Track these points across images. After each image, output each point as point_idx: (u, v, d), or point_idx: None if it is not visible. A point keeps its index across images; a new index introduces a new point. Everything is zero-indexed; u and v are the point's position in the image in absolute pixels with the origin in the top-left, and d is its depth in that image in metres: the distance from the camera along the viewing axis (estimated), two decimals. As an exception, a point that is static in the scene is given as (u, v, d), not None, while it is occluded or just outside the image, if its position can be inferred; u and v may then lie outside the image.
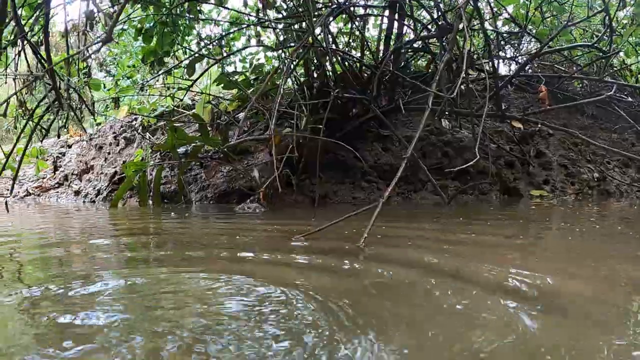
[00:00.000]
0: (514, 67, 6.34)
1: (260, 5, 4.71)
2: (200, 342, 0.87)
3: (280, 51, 4.72)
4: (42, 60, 3.08)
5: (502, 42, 5.39)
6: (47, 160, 7.65)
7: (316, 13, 3.97)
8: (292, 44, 4.30)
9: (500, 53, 5.42)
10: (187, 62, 4.53)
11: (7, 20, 2.84)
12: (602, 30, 4.83)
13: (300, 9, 4.04)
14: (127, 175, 4.66)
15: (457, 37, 3.28)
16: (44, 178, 7.81)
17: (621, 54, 5.72)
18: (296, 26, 4.51)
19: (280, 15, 4.80)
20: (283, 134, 3.78)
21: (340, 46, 4.94)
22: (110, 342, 0.87)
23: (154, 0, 4.13)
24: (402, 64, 5.13)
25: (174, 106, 5.41)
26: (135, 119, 6.39)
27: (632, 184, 5.51)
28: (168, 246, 2.10)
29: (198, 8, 4.76)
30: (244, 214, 3.55)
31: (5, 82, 4.39)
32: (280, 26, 4.73)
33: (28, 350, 0.84)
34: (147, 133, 5.95)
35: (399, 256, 1.76)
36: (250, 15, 5.13)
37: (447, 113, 4.34)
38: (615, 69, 6.10)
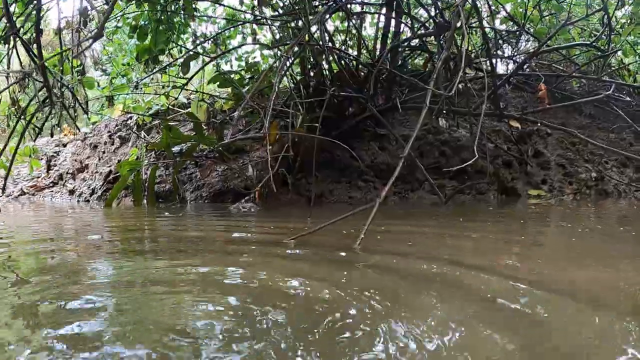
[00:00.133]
0: (511, 66, 6.31)
1: (255, 2, 4.66)
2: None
3: (276, 49, 4.67)
4: (34, 57, 3.02)
5: (500, 41, 5.35)
6: (41, 159, 7.59)
7: (312, 10, 3.93)
8: (289, 42, 4.25)
9: (499, 52, 5.38)
10: (182, 60, 4.47)
11: (-2, 17, 2.79)
12: (600, 30, 4.80)
13: (297, 7, 3.99)
14: (121, 175, 4.61)
15: (455, 35, 3.23)
16: (38, 177, 7.75)
17: (619, 53, 5.69)
18: (292, 24, 4.46)
19: (276, 13, 4.75)
20: (278, 132, 3.73)
21: (337, 45, 4.89)
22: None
23: (149, -3, 4.09)
24: (399, 62, 5.09)
25: (169, 105, 5.36)
26: (130, 118, 6.34)
27: (630, 184, 5.48)
28: (156, 250, 2.06)
29: (193, 6, 4.71)
30: (238, 213, 3.51)
31: (-2, 80, 4.35)
32: (277, 24, 4.68)
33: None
34: (142, 132, 5.90)
35: (398, 261, 1.72)
36: (246, 13, 5.08)
37: (444, 112, 4.29)
38: (613, 68, 6.07)
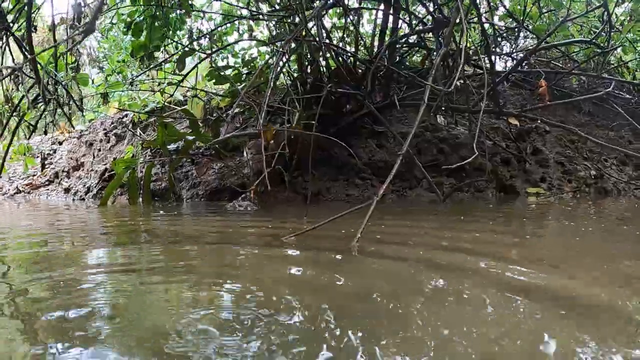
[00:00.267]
0: (510, 63, 6.28)
1: (252, -1, 4.62)
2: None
3: (272, 46, 4.62)
4: (26, 52, 2.97)
5: (499, 38, 5.31)
6: (37, 157, 7.53)
7: (309, 6, 3.88)
8: (285, 38, 4.20)
9: (497, 49, 5.34)
10: (177, 56, 4.42)
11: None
12: (599, 27, 4.76)
13: (294, 2, 3.94)
14: (116, 173, 4.56)
15: (454, 31, 3.19)
16: (33, 175, 7.70)
17: (618, 50, 5.65)
18: (289, 20, 4.41)
19: (273, 9, 4.70)
20: (275, 129, 3.69)
21: (334, 41, 4.85)
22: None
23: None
24: (397, 59, 5.04)
25: (165, 102, 5.31)
26: (126, 115, 6.29)
27: (630, 182, 5.45)
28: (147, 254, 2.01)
29: (189, 2, 4.66)
30: (235, 212, 3.46)
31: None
32: (274, 20, 4.63)
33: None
34: (138, 129, 5.85)
35: (397, 261, 1.68)
36: (243, 9, 5.02)
37: (443, 109, 4.25)
38: (612, 66, 6.03)
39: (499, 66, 5.98)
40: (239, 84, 4.56)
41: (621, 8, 5.45)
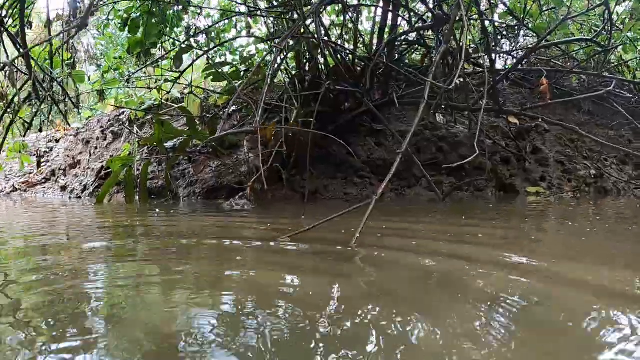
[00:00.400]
0: (509, 61, 6.24)
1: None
2: None
3: (271, 43, 4.58)
4: (20, 48, 2.93)
5: (499, 37, 5.27)
6: (33, 155, 7.48)
7: (308, 2, 3.84)
8: (283, 35, 4.16)
9: (497, 47, 5.30)
10: (174, 53, 4.38)
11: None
12: (600, 26, 4.72)
13: (292, -1, 3.90)
14: (113, 171, 4.52)
15: (454, 28, 3.14)
16: (30, 173, 7.65)
17: (619, 49, 5.61)
18: (287, 17, 4.37)
19: (271, 5, 4.66)
20: (274, 126, 3.64)
21: (333, 39, 4.80)
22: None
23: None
24: (396, 57, 5.00)
25: (162, 99, 5.26)
26: (123, 113, 6.24)
27: (630, 182, 5.41)
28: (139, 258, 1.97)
29: (187, -1, 4.62)
30: (232, 210, 3.42)
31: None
32: (272, 18, 4.59)
33: None
34: (135, 127, 5.80)
35: (397, 261, 1.63)
36: (241, 5, 4.97)
37: (443, 107, 4.21)
38: (612, 64, 5.99)
39: (498, 64, 5.94)
40: (236, 81, 4.51)
41: (622, 7, 5.41)
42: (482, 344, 0.82)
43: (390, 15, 4.40)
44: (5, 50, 3.87)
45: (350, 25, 4.80)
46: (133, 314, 1.04)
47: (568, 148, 5.64)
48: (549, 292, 1.17)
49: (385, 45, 4.32)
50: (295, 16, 3.99)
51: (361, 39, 4.85)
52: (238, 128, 4.82)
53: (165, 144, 4.65)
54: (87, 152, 6.67)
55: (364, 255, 1.62)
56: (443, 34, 3.92)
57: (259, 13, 4.68)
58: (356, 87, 4.25)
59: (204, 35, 5.27)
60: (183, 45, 4.43)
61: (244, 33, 5.48)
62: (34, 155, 7.57)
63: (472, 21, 4.63)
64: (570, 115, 6.29)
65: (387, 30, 4.49)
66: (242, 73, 4.66)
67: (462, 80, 3.63)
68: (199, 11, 5.11)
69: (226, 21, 5.23)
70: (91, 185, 5.77)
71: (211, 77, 4.49)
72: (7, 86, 4.24)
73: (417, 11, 4.70)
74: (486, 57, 3.95)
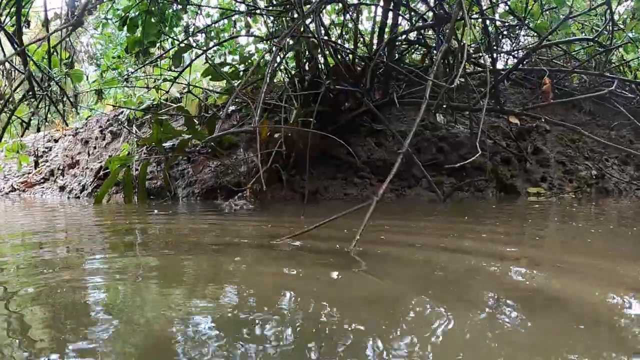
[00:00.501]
0: (509, 61, 6.20)
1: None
2: None
3: (270, 42, 4.54)
4: (17, 46, 2.90)
5: (500, 36, 5.24)
6: (31, 155, 7.45)
7: (307, 1, 3.81)
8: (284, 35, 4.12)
9: (497, 47, 5.26)
10: (173, 52, 4.35)
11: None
12: (601, 26, 4.69)
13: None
14: (111, 171, 4.49)
15: (455, 27, 3.11)
16: (29, 173, 7.62)
17: (620, 49, 5.58)
18: (287, 16, 4.34)
19: (270, 4, 4.63)
20: (268, 126, 3.62)
21: (333, 38, 4.77)
22: None
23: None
24: (397, 56, 4.97)
25: (161, 99, 5.23)
26: (122, 113, 6.21)
27: (631, 182, 5.38)
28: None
29: (186, -2, 4.58)
30: (231, 211, 3.39)
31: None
32: (272, 17, 4.55)
33: None
34: (134, 127, 5.77)
35: (399, 265, 1.60)
36: (240, 4, 4.94)
37: (444, 107, 4.18)
38: (614, 64, 5.96)
39: (499, 64, 5.91)
40: (236, 81, 4.48)
41: (623, 6, 5.39)
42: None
43: (390, 14, 4.37)
44: (3, 50, 3.84)
45: (350, 25, 4.77)
46: (129, 313, 1.02)
47: (569, 148, 5.61)
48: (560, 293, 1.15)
49: (386, 45, 4.29)
50: (295, 15, 3.96)
51: (361, 39, 4.82)
52: (237, 128, 4.79)
53: (164, 144, 4.62)
54: (85, 152, 6.64)
55: (364, 257, 1.59)
56: (444, 33, 3.89)
57: (258, 12, 4.64)
58: (356, 86, 4.22)
59: (203, 35, 5.24)
60: (182, 45, 4.40)
61: (243, 33, 5.45)
62: (32, 155, 7.54)
63: (473, 20, 4.60)
64: (571, 115, 6.26)
65: (387, 29, 4.46)
66: (241, 73, 4.63)
67: (463, 80, 3.59)
68: (198, 10, 5.07)
69: (225, 20, 5.20)
70: (90, 185, 5.74)
71: (210, 77, 4.46)
72: (5, 85, 4.21)
73: (417, 10, 4.67)
74: (487, 56, 3.92)
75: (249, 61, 4.83)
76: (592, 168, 5.43)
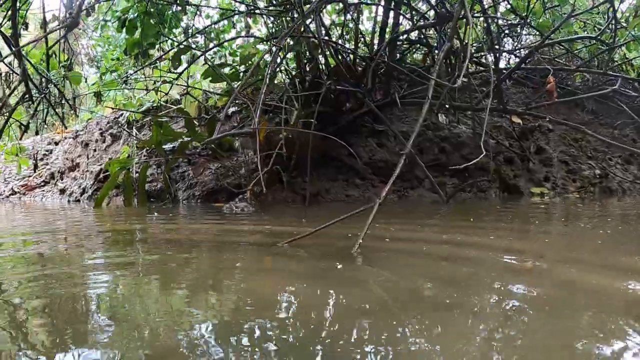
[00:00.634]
0: (511, 60, 6.16)
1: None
2: None
3: (270, 42, 4.51)
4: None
5: (502, 35, 5.19)
6: (31, 158, 7.42)
7: (308, 0, 3.77)
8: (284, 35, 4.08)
9: (499, 46, 5.22)
10: (172, 53, 4.31)
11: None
12: (604, 24, 4.65)
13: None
14: (111, 174, 4.46)
15: (457, 25, 3.07)
16: (29, 176, 7.59)
17: (622, 47, 5.54)
18: (288, 17, 4.30)
19: (270, 3, 4.59)
20: (270, 128, 3.58)
21: (333, 39, 4.73)
22: None
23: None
24: (398, 56, 4.93)
25: (160, 101, 5.20)
26: (122, 115, 6.18)
27: (635, 182, 5.34)
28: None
29: (186, -1, 4.55)
30: (231, 213, 3.36)
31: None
32: (272, 17, 4.52)
33: None
34: (134, 129, 5.74)
35: (402, 270, 1.56)
36: (240, 4, 4.91)
37: (447, 107, 4.13)
38: (616, 63, 5.92)
39: (501, 63, 5.87)
40: (236, 82, 4.44)
41: (625, 4, 5.35)
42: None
43: (391, 13, 4.33)
44: (0, 55, 3.81)
45: (351, 25, 4.73)
46: (129, 319, 1.00)
47: (572, 148, 5.57)
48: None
49: (387, 44, 4.25)
50: (295, 15, 3.92)
51: (362, 39, 4.78)
52: (238, 129, 4.75)
53: (163, 146, 4.58)
54: (85, 154, 6.61)
55: (367, 260, 1.56)
56: (446, 32, 3.85)
57: (258, 12, 4.61)
58: (357, 87, 4.18)
59: (203, 36, 5.20)
60: (181, 46, 4.36)
61: (243, 34, 5.41)
62: (31, 158, 7.50)
63: (475, 19, 4.56)
64: (573, 114, 6.22)
65: (388, 29, 4.42)
66: (241, 74, 4.59)
67: (465, 80, 3.55)
68: (197, 11, 5.04)
69: (225, 22, 5.16)
70: (90, 188, 5.70)
71: (210, 78, 4.42)
72: (4, 87, 4.18)
73: (418, 9, 4.64)
74: (490, 55, 3.87)
75: (250, 62, 4.79)
76: (596, 167, 5.39)
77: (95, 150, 6.44)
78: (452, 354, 0.79)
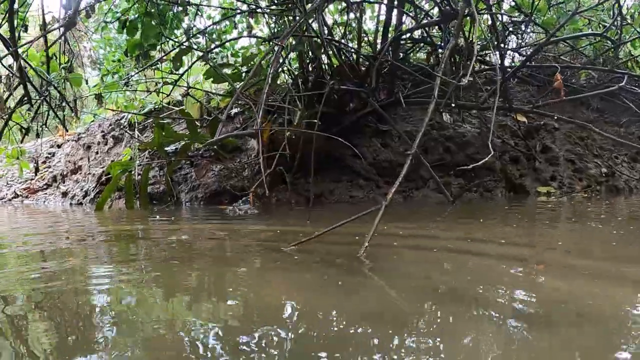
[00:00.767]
0: (515, 59, 6.11)
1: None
2: None
3: (272, 42, 4.46)
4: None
5: (506, 33, 5.14)
6: (32, 162, 7.39)
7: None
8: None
9: (504, 44, 5.17)
10: (173, 54, 4.27)
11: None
12: (608, 21, 4.60)
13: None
14: (112, 176, 4.42)
15: (462, 23, 3.03)
16: (31, 180, 7.56)
17: (627, 44, 5.49)
18: (290, 16, 4.26)
19: (272, 3, 4.55)
20: (269, 128, 3.53)
21: (337, 38, 4.69)
22: None
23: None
24: (401, 55, 4.88)
25: (162, 102, 5.16)
26: (124, 117, 6.14)
27: (642, 180, 5.28)
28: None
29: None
30: (235, 216, 3.31)
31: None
32: (273, 17, 4.48)
33: None
34: (136, 131, 5.70)
35: (410, 273, 1.52)
36: (242, 4, 4.86)
37: (452, 106, 4.08)
38: (621, 60, 5.87)
39: (505, 62, 5.81)
40: (238, 82, 4.40)
41: (631, 0, 5.30)
42: None
43: (394, 12, 4.28)
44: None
45: (353, 24, 4.68)
46: (131, 324, 0.97)
47: (578, 146, 5.51)
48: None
49: (390, 43, 4.20)
50: (298, 14, 3.88)
51: (365, 38, 4.73)
52: (241, 130, 4.71)
53: (166, 148, 4.54)
54: (88, 157, 6.58)
55: (375, 263, 1.51)
56: (450, 30, 3.80)
57: (259, 11, 4.56)
58: (361, 86, 4.14)
59: (205, 37, 5.16)
60: (183, 47, 4.32)
61: (245, 34, 5.37)
62: (32, 161, 7.48)
63: (479, 17, 4.51)
64: (579, 112, 6.15)
65: (391, 28, 4.38)
66: (243, 75, 4.55)
67: (471, 78, 3.50)
68: (198, 12, 5.00)
69: (227, 22, 5.12)
70: (92, 191, 5.67)
71: (212, 79, 4.38)
72: (3, 90, 4.14)
73: (422, 8, 4.59)
74: (494, 54, 3.83)
75: (252, 62, 4.75)
76: (602, 166, 5.33)
77: (97, 153, 6.41)
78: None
